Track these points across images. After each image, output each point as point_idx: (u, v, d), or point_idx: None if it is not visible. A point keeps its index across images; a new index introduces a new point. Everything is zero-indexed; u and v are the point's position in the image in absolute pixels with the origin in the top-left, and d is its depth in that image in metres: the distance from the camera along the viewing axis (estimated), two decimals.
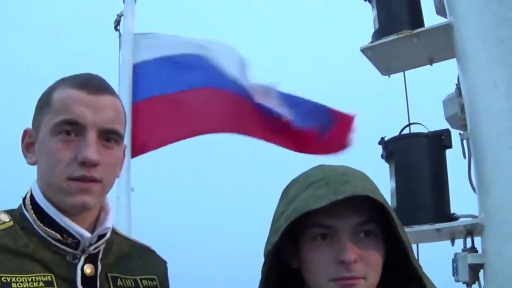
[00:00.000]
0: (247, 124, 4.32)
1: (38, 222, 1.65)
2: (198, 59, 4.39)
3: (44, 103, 1.69)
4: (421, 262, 1.62)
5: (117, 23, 4.43)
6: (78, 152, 1.59)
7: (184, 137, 4.25)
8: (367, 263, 1.53)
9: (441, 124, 4.46)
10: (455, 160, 4.21)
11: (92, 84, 1.67)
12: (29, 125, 1.76)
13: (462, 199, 4.28)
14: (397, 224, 1.55)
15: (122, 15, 4.42)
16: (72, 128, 1.61)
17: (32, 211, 1.67)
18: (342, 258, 1.50)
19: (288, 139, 4.26)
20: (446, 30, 4.17)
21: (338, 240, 1.54)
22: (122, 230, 2.02)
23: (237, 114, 4.34)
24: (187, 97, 4.31)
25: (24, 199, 1.73)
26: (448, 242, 4.07)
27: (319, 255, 1.55)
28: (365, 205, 1.53)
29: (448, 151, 4.22)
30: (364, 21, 4.81)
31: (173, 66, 4.36)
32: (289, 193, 1.63)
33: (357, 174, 1.62)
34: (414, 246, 4.05)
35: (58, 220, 1.64)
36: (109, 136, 1.67)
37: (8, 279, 1.53)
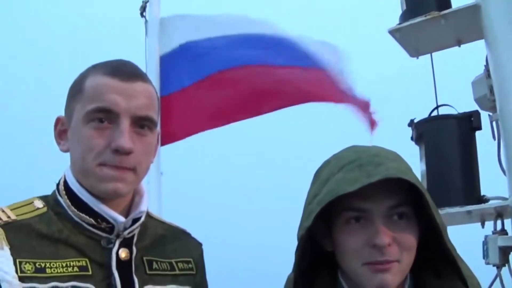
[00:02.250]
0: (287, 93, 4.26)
1: (72, 207, 1.67)
2: (229, 38, 4.36)
3: (77, 90, 1.70)
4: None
5: (143, 9, 4.40)
6: (112, 140, 1.60)
7: (215, 126, 4.26)
8: (401, 245, 1.54)
9: (470, 105, 4.43)
10: (485, 142, 4.17)
11: (124, 71, 1.68)
12: (61, 113, 1.78)
13: (493, 181, 4.25)
14: (431, 206, 1.55)
15: (148, 1, 4.39)
16: (105, 116, 1.62)
17: (66, 197, 1.69)
18: (376, 241, 1.51)
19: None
20: (473, 11, 4.11)
21: (371, 223, 1.55)
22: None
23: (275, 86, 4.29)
24: (217, 80, 4.27)
25: (58, 185, 1.76)
26: (479, 224, 4.06)
27: (353, 239, 1.56)
28: (399, 187, 1.53)
29: (478, 133, 4.18)
30: (390, 3, 4.77)
31: (201, 49, 4.33)
32: (321, 175, 1.64)
33: (390, 155, 1.62)
34: (451, 228, 4.09)
35: (92, 205, 1.67)
36: (142, 123, 1.67)
37: (43, 265, 1.56)
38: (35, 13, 11.39)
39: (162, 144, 4.03)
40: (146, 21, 4.40)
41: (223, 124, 4.25)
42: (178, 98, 4.24)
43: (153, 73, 4.17)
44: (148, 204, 1.81)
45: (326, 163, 1.67)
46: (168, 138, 4.08)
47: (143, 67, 4.08)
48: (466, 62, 4.76)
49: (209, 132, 4.29)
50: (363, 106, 4.15)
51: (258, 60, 4.27)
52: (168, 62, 4.28)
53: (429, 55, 4.77)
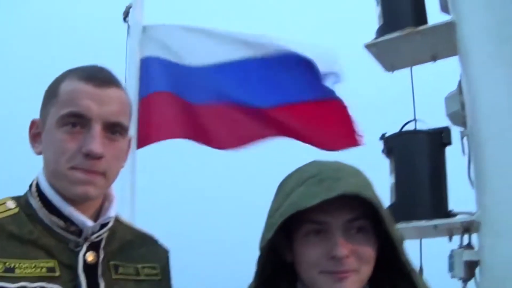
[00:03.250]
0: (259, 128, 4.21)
1: (43, 209, 1.70)
2: (209, 70, 4.30)
3: (52, 94, 1.72)
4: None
5: (126, 14, 4.41)
6: (83, 144, 1.63)
7: (189, 138, 4.24)
8: (359, 257, 1.59)
9: (444, 121, 4.50)
10: (456, 157, 4.24)
11: (98, 77, 1.71)
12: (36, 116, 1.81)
13: (462, 196, 4.31)
14: (387, 221, 1.59)
15: (131, 6, 4.40)
16: (77, 121, 1.65)
17: (37, 199, 1.71)
18: (335, 253, 1.56)
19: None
20: (449, 28, 4.19)
21: (330, 235, 1.59)
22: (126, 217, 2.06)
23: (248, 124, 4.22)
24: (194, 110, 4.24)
25: (30, 186, 1.78)
26: (448, 238, 4.12)
27: (312, 250, 1.61)
28: (357, 201, 1.57)
29: (450, 148, 4.26)
30: (368, 18, 4.84)
31: (183, 71, 4.30)
32: (284, 189, 1.68)
33: (350, 170, 1.67)
34: (417, 242, 4.14)
35: (61, 208, 1.69)
36: (114, 129, 1.70)
37: (12, 265, 1.58)
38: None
39: (139, 146, 4.04)
40: (128, 26, 4.42)
41: (198, 140, 4.24)
42: (157, 100, 4.23)
43: (133, 75, 4.19)
44: (121, 207, 1.83)
45: (289, 177, 1.72)
46: (145, 139, 4.08)
47: (123, 69, 4.10)
48: (445, 77, 4.83)
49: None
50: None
51: (244, 100, 4.25)
52: (148, 64, 4.28)
53: (404, 70, 4.83)
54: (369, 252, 1.61)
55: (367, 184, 1.64)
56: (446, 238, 4.11)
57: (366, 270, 1.61)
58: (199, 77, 4.30)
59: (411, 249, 1.70)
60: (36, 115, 1.79)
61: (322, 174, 1.61)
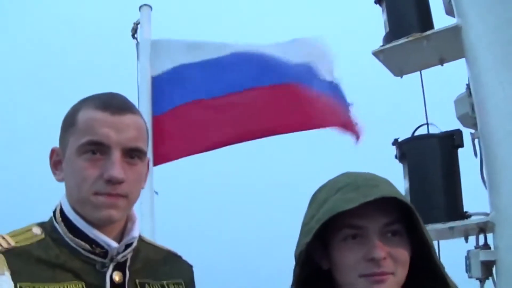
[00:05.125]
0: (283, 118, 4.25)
1: (69, 234, 1.75)
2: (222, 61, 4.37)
3: (69, 123, 1.78)
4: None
5: (134, 31, 4.43)
6: (104, 171, 1.69)
7: (207, 149, 4.23)
8: (396, 260, 1.63)
9: (454, 123, 4.53)
10: (469, 159, 4.27)
11: (114, 105, 1.77)
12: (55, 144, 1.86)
13: (477, 197, 4.33)
14: (422, 225, 1.65)
15: (139, 23, 4.42)
16: (97, 148, 1.71)
17: (62, 224, 1.77)
18: (373, 255, 1.61)
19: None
20: (454, 32, 4.23)
21: (367, 239, 1.64)
22: (146, 233, 2.11)
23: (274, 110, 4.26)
24: (208, 106, 4.27)
25: (54, 212, 1.83)
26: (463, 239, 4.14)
27: (350, 254, 1.65)
28: (391, 207, 1.63)
29: (462, 150, 4.28)
30: (375, 24, 4.88)
31: (193, 71, 4.35)
32: (318, 198, 1.73)
33: (383, 180, 1.73)
34: (435, 243, 4.16)
35: (87, 231, 1.74)
36: (132, 154, 1.76)
37: (41, 287, 1.65)
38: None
39: (155, 165, 4.06)
40: (137, 43, 4.44)
41: (215, 148, 4.23)
42: (171, 118, 4.25)
43: (144, 94, 4.22)
44: (141, 224, 1.88)
45: (323, 187, 1.78)
46: (161, 158, 4.11)
47: (135, 88, 4.11)
48: (454, 80, 4.86)
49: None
50: (348, 119, 4.19)
51: (249, 83, 4.30)
52: (160, 82, 4.30)
53: (413, 74, 4.86)
54: (404, 255, 1.66)
55: (400, 192, 1.70)
56: (462, 240, 4.14)
57: (402, 273, 1.66)
58: (212, 68, 4.36)
59: None
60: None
61: (357, 182, 1.67)
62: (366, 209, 1.60)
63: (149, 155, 3.84)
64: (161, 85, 4.32)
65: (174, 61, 4.39)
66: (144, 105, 4.15)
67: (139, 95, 4.22)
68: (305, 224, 1.72)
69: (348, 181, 1.69)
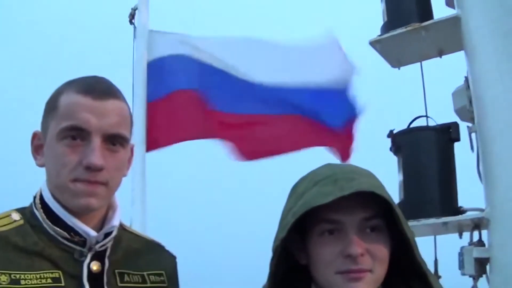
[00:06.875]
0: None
1: (47, 221, 1.71)
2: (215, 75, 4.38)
3: (51, 107, 1.73)
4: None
5: (132, 16, 4.42)
6: (84, 157, 1.64)
7: (199, 137, 4.29)
8: (374, 256, 1.58)
9: (451, 116, 4.48)
10: (465, 153, 4.21)
11: (97, 89, 1.71)
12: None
13: (472, 192, 4.29)
14: (402, 221, 1.60)
15: (137, 8, 4.41)
16: (77, 134, 1.66)
17: (41, 210, 1.73)
18: (349, 251, 1.56)
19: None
20: (454, 23, 4.17)
21: (345, 234, 1.59)
22: (137, 222, 2.06)
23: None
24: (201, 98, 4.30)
25: (34, 198, 1.79)
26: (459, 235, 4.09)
27: (327, 249, 1.60)
28: (371, 201, 1.58)
29: (458, 144, 4.23)
30: (373, 14, 4.82)
31: (191, 64, 4.35)
32: (297, 190, 1.68)
33: (363, 172, 1.68)
34: (431, 238, 4.13)
35: (65, 219, 1.70)
36: (114, 140, 1.71)
37: (18, 276, 1.59)
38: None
39: (148, 150, 4.04)
40: (135, 28, 4.41)
41: (209, 136, 4.28)
42: (164, 104, 4.25)
43: (140, 79, 4.20)
44: (132, 211, 1.83)
45: (303, 179, 1.72)
46: (153, 144, 4.09)
47: (130, 73, 4.10)
48: (453, 72, 4.81)
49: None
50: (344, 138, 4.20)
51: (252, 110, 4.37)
52: (155, 68, 4.29)
53: (409, 66, 4.81)
54: (383, 252, 1.61)
55: (381, 185, 1.64)
56: (449, 236, 4.10)
57: (381, 270, 1.61)
58: (229, 84, 4.37)
59: (421, 247, 1.69)
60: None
61: (336, 175, 1.61)
62: (344, 203, 1.55)
63: (142, 140, 3.88)
64: (156, 71, 4.30)
65: (172, 49, 4.38)
66: (139, 91, 4.14)
67: (134, 81, 4.20)
68: (282, 218, 1.68)
69: (327, 174, 1.64)
